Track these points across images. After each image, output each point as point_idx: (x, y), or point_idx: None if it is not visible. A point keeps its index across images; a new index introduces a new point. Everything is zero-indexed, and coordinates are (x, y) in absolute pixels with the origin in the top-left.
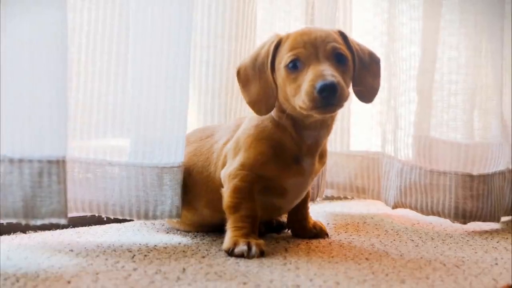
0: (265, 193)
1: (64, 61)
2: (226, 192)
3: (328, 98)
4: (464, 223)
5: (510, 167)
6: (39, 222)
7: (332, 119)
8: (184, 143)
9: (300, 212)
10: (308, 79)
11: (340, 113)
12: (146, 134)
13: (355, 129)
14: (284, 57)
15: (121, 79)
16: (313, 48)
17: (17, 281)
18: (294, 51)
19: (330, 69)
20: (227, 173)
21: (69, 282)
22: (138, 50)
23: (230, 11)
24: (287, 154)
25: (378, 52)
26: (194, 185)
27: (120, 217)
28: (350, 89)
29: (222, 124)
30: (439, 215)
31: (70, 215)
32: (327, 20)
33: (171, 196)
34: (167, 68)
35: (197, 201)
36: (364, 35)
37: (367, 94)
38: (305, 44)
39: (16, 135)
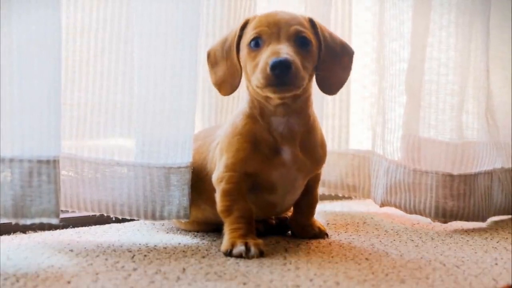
0: (255, 190)
1: (57, 61)
2: (217, 197)
3: (281, 77)
4: (445, 222)
5: (508, 167)
6: (29, 222)
7: (300, 105)
8: (191, 143)
9: (305, 213)
10: (264, 56)
11: (338, 111)
12: (152, 134)
13: (352, 128)
14: (247, 36)
15: (128, 78)
16: (276, 28)
17: (17, 281)
18: (257, 29)
19: (287, 48)
20: (215, 177)
21: (69, 282)
22: (144, 49)
23: (221, 9)
24: (263, 145)
25: (375, 52)
26: (196, 181)
27: (128, 217)
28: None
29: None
30: (421, 214)
31: (71, 215)
32: (323, 20)
33: (178, 197)
34: (173, 67)
35: (199, 197)
36: (363, 35)
37: (331, 85)
38: (268, 24)
39: (7, 134)
